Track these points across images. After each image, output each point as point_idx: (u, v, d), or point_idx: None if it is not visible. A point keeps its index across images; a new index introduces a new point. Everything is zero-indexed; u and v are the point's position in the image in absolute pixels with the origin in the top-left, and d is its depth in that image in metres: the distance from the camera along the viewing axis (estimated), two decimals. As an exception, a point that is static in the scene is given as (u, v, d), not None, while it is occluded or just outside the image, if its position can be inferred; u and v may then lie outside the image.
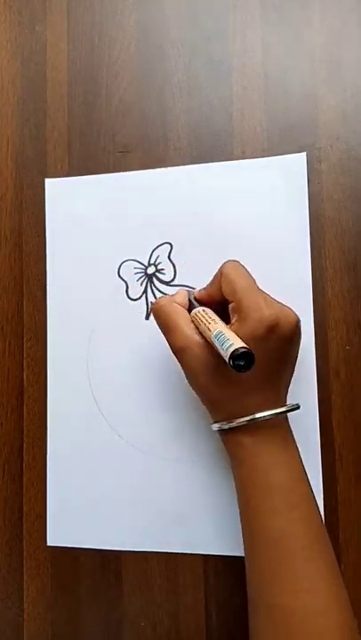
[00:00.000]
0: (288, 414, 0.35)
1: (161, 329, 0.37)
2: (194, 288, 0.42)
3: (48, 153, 0.46)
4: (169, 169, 0.43)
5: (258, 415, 0.33)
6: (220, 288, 0.36)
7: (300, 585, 0.32)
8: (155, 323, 0.37)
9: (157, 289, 0.43)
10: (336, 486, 0.39)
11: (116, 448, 0.43)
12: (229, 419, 0.34)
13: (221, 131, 0.43)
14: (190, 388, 0.37)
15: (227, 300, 0.36)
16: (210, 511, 0.41)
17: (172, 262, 0.43)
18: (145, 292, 0.43)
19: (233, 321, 0.34)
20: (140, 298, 0.43)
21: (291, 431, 0.36)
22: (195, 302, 0.37)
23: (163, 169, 0.43)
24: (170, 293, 0.42)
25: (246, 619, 0.35)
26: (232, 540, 0.40)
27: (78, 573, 0.43)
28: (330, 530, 0.39)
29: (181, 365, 0.36)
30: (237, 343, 0.30)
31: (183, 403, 0.42)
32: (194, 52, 0.44)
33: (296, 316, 0.35)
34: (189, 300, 0.38)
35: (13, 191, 0.46)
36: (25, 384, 0.45)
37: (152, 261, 0.43)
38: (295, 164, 0.41)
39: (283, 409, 0.34)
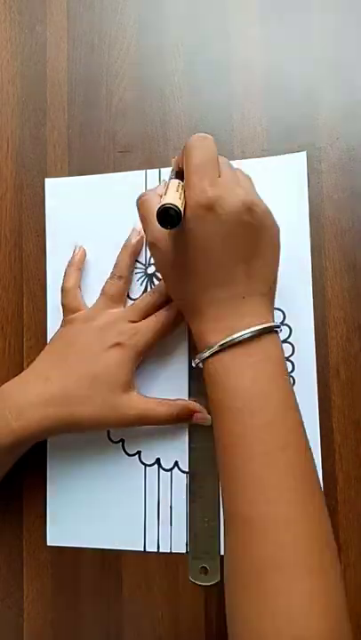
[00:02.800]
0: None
1: (141, 222, 0.37)
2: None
3: (48, 153, 0.46)
4: (169, 169, 0.43)
5: (237, 335, 0.32)
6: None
7: (260, 493, 0.30)
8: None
9: (157, 289, 0.43)
10: (336, 486, 0.39)
11: (115, 448, 0.43)
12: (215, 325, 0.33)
13: (221, 131, 0.43)
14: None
15: None
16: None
17: (172, 262, 0.43)
18: (145, 291, 0.43)
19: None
20: (139, 298, 0.43)
21: (275, 343, 0.34)
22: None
23: (163, 169, 0.43)
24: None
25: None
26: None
27: (78, 573, 0.43)
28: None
29: (155, 263, 0.35)
30: (165, 199, 0.31)
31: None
32: (194, 52, 0.44)
33: (253, 200, 0.33)
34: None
35: (13, 191, 0.46)
36: (25, 384, 0.45)
37: (152, 261, 0.43)
38: (295, 164, 0.41)
39: (258, 329, 0.32)
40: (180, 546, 0.41)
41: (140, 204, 0.37)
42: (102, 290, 0.42)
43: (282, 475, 0.30)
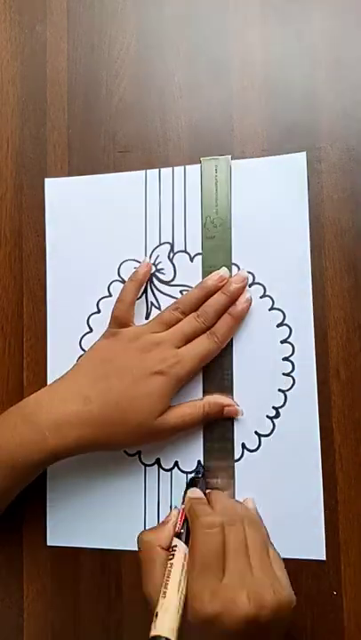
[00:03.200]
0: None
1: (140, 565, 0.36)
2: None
3: (48, 153, 0.46)
4: (169, 169, 0.43)
5: None
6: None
7: None
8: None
9: (157, 289, 0.43)
10: (336, 486, 0.39)
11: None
12: None
13: (221, 130, 0.43)
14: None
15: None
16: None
17: (172, 262, 0.43)
18: (145, 291, 0.43)
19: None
20: (140, 298, 0.43)
21: None
22: (176, 539, 0.36)
23: (162, 169, 0.43)
24: (170, 293, 0.42)
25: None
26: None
27: (78, 573, 0.43)
28: (330, 529, 0.39)
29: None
30: (156, 630, 0.31)
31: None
32: (194, 51, 0.44)
33: (262, 604, 0.31)
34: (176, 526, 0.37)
35: (13, 191, 0.46)
36: (25, 384, 0.45)
37: (152, 261, 0.43)
38: (295, 164, 0.41)
39: None
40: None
41: (141, 551, 0.36)
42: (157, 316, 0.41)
43: None
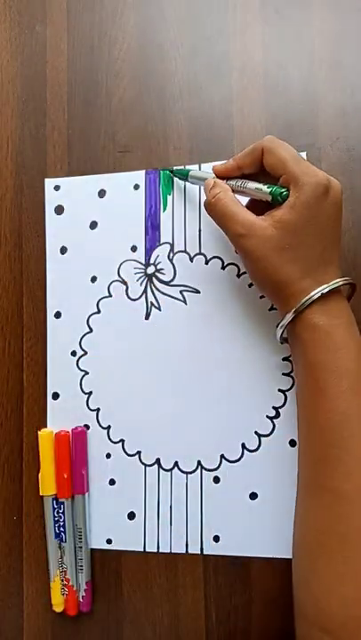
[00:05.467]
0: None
1: (218, 220, 0.37)
2: (194, 288, 0.42)
3: (48, 153, 0.46)
4: (169, 169, 0.43)
5: (332, 283, 0.34)
6: (259, 161, 0.37)
7: (356, 467, 0.32)
8: (155, 323, 0.37)
9: (157, 289, 0.43)
10: (336, 486, 0.39)
11: (115, 448, 0.43)
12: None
13: (221, 130, 0.43)
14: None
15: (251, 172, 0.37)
16: (210, 512, 0.41)
17: (171, 262, 0.43)
18: (145, 292, 0.43)
19: (291, 190, 0.34)
20: (139, 298, 0.43)
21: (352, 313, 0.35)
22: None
23: (162, 169, 0.43)
24: (170, 293, 0.42)
25: (246, 617, 0.35)
26: (232, 540, 0.41)
27: (78, 573, 0.43)
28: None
29: (245, 253, 0.36)
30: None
31: (183, 403, 0.42)
32: (194, 51, 0.44)
33: (337, 182, 0.35)
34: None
35: (13, 191, 0.46)
36: (25, 384, 0.45)
37: (152, 261, 0.43)
38: (295, 164, 0.41)
39: (349, 280, 0.35)
40: (180, 546, 0.41)
41: (214, 204, 0.37)
42: None
43: None
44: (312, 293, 0.34)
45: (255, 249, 0.35)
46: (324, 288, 0.34)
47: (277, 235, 0.34)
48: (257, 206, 0.37)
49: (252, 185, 0.37)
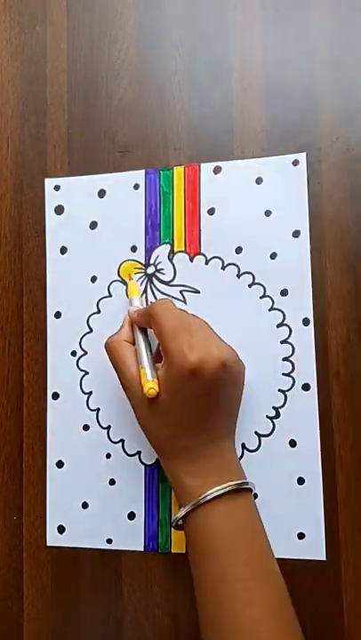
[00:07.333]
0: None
1: (113, 366, 0.39)
2: (194, 288, 0.42)
3: (48, 153, 0.46)
4: (169, 169, 0.43)
5: (208, 492, 0.35)
6: (150, 322, 0.38)
7: (242, 626, 0.33)
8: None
9: (157, 289, 0.43)
10: (336, 486, 0.39)
11: (115, 448, 0.43)
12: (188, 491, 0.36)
13: (221, 131, 0.43)
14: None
15: None
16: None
17: (172, 262, 0.43)
18: (145, 292, 0.43)
19: (162, 363, 0.36)
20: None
21: (238, 468, 0.37)
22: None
23: (162, 169, 0.43)
24: (170, 294, 0.43)
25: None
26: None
27: (78, 573, 0.43)
28: (330, 529, 0.39)
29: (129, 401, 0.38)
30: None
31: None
32: (194, 51, 0.44)
33: (226, 356, 0.35)
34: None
35: (13, 191, 0.46)
36: (25, 384, 0.45)
37: (152, 261, 0.43)
38: (295, 165, 0.41)
39: (229, 484, 0.35)
40: (179, 546, 0.41)
41: (110, 350, 0.39)
42: None
43: (266, 608, 0.33)
44: (189, 504, 0.35)
45: (132, 400, 0.38)
46: (209, 494, 0.34)
47: (149, 400, 0.36)
48: None
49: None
